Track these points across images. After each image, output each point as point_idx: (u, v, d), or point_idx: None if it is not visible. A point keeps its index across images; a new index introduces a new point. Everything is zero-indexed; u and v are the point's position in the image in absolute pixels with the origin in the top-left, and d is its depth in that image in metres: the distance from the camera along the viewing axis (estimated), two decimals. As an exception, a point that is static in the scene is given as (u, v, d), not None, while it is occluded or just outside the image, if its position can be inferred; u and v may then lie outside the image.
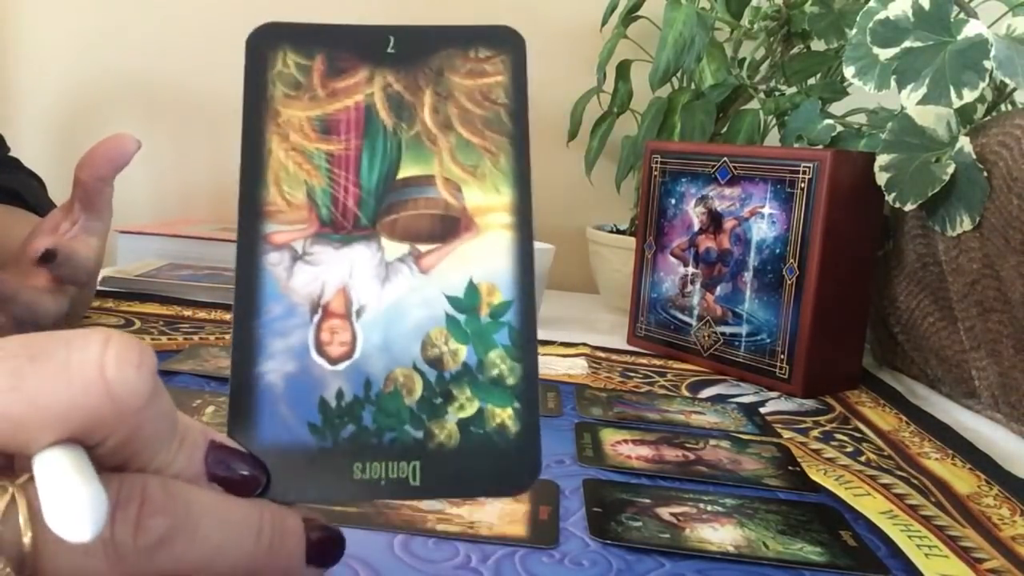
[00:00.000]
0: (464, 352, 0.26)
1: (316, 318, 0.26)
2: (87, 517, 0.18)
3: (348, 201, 0.27)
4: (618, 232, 0.89)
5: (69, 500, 0.18)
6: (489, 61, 0.28)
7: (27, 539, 0.19)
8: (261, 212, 0.26)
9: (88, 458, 0.20)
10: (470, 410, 0.26)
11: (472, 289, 0.26)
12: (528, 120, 0.27)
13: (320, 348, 0.25)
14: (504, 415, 0.26)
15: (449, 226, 0.27)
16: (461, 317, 0.26)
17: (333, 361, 0.25)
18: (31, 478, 0.19)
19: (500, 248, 0.27)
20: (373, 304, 0.26)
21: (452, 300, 0.26)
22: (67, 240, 0.53)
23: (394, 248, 0.26)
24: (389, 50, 0.27)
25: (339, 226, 0.26)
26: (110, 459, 0.21)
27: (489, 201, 0.27)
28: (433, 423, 0.25)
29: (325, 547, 0.25)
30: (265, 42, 0.27)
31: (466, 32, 0.28)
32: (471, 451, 0.25)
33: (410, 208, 0.27)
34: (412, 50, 0.27)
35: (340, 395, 0.25)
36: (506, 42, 0.28)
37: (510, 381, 0.26)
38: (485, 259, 0.26)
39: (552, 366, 0.64)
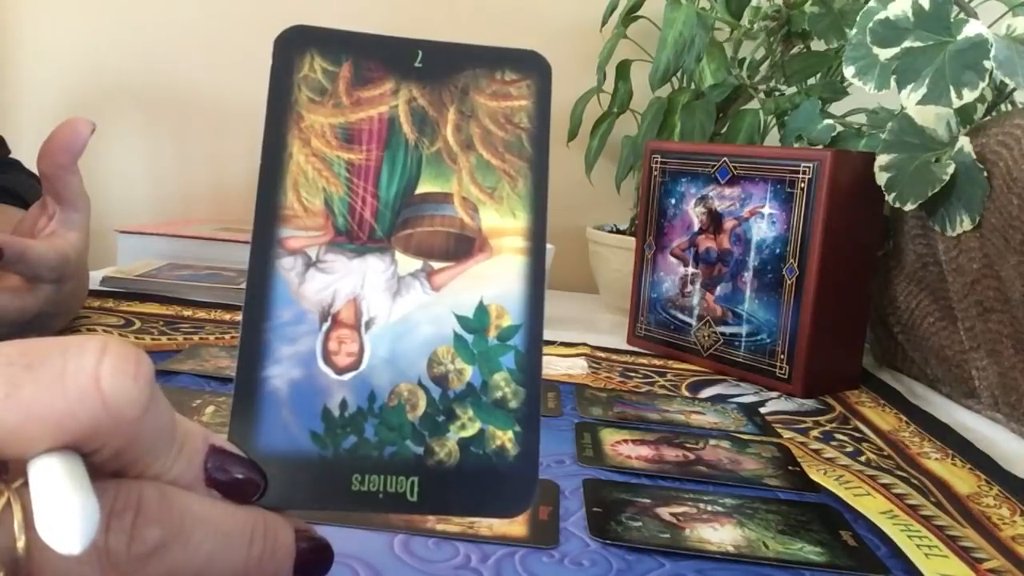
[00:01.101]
0: (469, 372, 0.26)
1: (325, 326, 0.26)
2: (77, 530, 0.18)
3: (365, 212, 0.27)
4: (618, 232, 0.89)
5: (60, 512, 0.18)
6: (514, 84, 0.28)
7: (21, 544, 0.19)
8: (277, 215, 0.26)
9: (83, 466, 0.20)
10: (471, 430, 0.26)
11: (482, 310, 0.26)
12: (548, 147, 0.28)
13: (327, 357, 0.26)
14: (504, 437, 0.26)
15: (463, 245, 0.27)
16: (469, 337, 0.26)
17: (339, 371, 0.26)
18: (27, 482, 0.19)
19: (512, 272, 0.27)
20: (383, 317, 0.26)
21: (461, 320, 0.26)
22: (31, 238, 0.53)
23: (407, 263, 0.27)
24: (416, 64, 0.27)
25: (354, 236, 0.26)
26: (107, 466, 0.21)
27: (505, 224, 0.27)
28: (434, 440, 0.26)
29: (313, 559, 0.25)
30: (293, 44, 0.27)
31: (494, 53, 0.28)
32: (470, 471, 0.26)
33: (426, 224, 0.27)
34: (439, 66, 0.27)
35: (344, 405, 0.25)
36: (533, 67, 0.28)
37: (513, 404, 0.26)
38: (497, 281, 0.27)
39: (552, 366, 0.64)
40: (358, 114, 0.27)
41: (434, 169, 0.27)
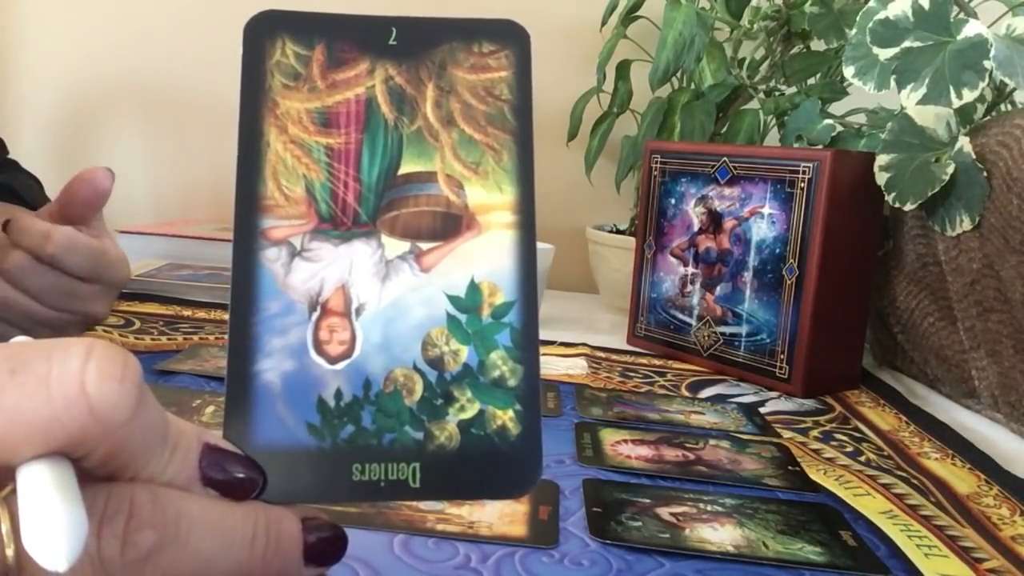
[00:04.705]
0: (465, 353, 0.26)
1: (315, 316, 0.25)
2: (63, 546, 0.18)
3: (348, 197, 0.26)
4: (618, 232, 0.89)
5: (47, 526, 0.18)
6: (493, 56, 0.27)
7: (10, 552, 0.19)
8: (258, 206, 0.25)
9: (73, 473, 0.19)
10: (471, 412, 0.25)
11: (474, 289, 0.26)
12: (532, 117, 0.27)
13: (319, 347, 0.25)
14: (505, 417, 0.25)
15: (451, 224, 0.26)
16: (462, 317, 0.26)
17: (332, 360, 0.25)
18: (15, 490, 0.19)
19: (502, 247, 0.26)
20: (373, 303, 0.26)
21: (453, 300, 0.26)
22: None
23: (394, 246, 0.26)
24: (391, 42, 0.27)
25: (338, 222, 0.26)
26: (98, 470, 0.20)
27: (492, 199, 0.26)
28: (433, 424, 0.25)
29: (324, 548, 0.24)
30: (263, 30, 0.26)
31: (470, 25, 0.27)
32: (471, 453, 0.25)
33: (411, 205, 0.26)
34: (414, 42, 0.27)
35: (339, 395, 0.25)
36: (510, 36, 0.27)
37: (511, 383, 0.26)
38: (487, 258, 0.26)
39: (552, 366, 0.64)
40: (334, 97, 0.26)
41: (416, 148, 0.26)
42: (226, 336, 0.25)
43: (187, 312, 0.72)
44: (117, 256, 0.55)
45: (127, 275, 0.56)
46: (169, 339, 0.63)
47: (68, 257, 0.50)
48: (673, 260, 0.70)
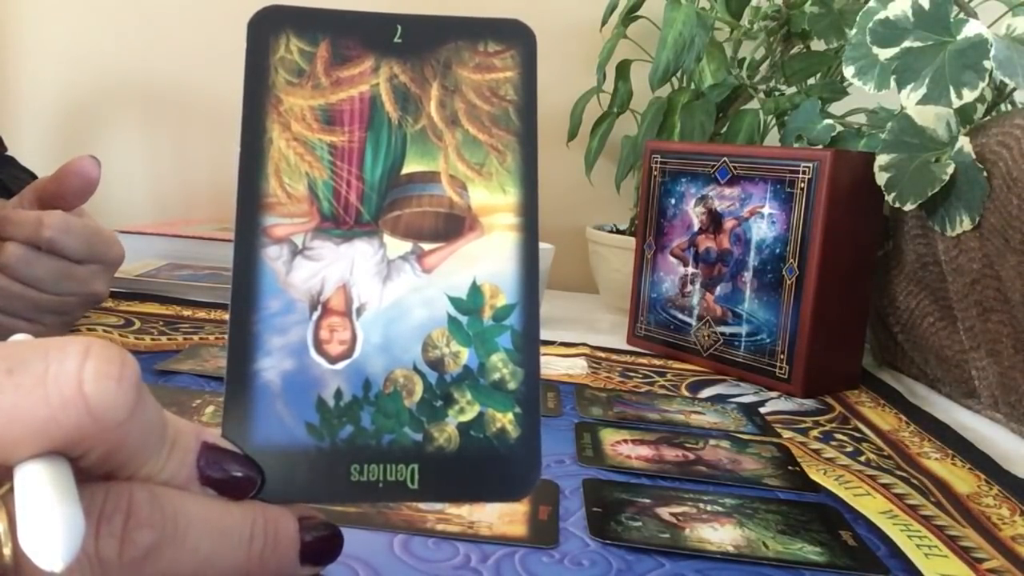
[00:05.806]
0: (466, 355, 0.26)
1: (315, 315, 0.25)
2: (59, 545, 0.17)
3: (350, 195, 0.26)
4: (618, 232, 0.89)
5: (43, 526, 0.18)
6: (498, 56, 0.27)
7: (7, 551, 0.19)
8: (260, 204, 0.25)
9: (70, 472, 0.19)
10: (470, 414, 0.25)
11: (475, 291, 0.26)
12: (536, 118, 0.27)
13: (319, 346, 0.25)
14: (505, 420, 0.25)
15: (453, 225, 0.26)
16: (463, 319, 0.26)
17: (332, 360, 0.25)
18: (12, 489, 0.19)
19: (505, 249, 0.26)
20: (374, 303, 0.26)
21: (455, 301, 0.26)
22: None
23: (396, 246, 0.26)
24: (396, 39, 0.27)
25: (341, 221, 0.26)
26: (95, 469, 0.20)
27: (495, 201, 0.26)
28: (433, 426, 0.25)
29: (320, 548, 0.24)
30: (267, 26, 0.26)
31: (475, 24, 0.27)
32: (470, 455, 0.25)
33: (414, 205, 0.26)
34: (420, 41, 0.27)
35: (339, 395, 0.25)
36: (516, 36, 0.27)
37: (511, 385, 0.26)
38: (489, 260, 0.26)
39: (552, 366, 0.64)
40: (338, 95, 0.26)
41: (419, 147, 0.26)
42: (226, 335, 0.25)
43: (187, 312, 0.72)
44: (109, 234, 0.55)
45: (122, 252, 0.56)
46: (169, 339, 0.63)
47: (64, 240, 0.51)
48: (673, 260, 0.70)
